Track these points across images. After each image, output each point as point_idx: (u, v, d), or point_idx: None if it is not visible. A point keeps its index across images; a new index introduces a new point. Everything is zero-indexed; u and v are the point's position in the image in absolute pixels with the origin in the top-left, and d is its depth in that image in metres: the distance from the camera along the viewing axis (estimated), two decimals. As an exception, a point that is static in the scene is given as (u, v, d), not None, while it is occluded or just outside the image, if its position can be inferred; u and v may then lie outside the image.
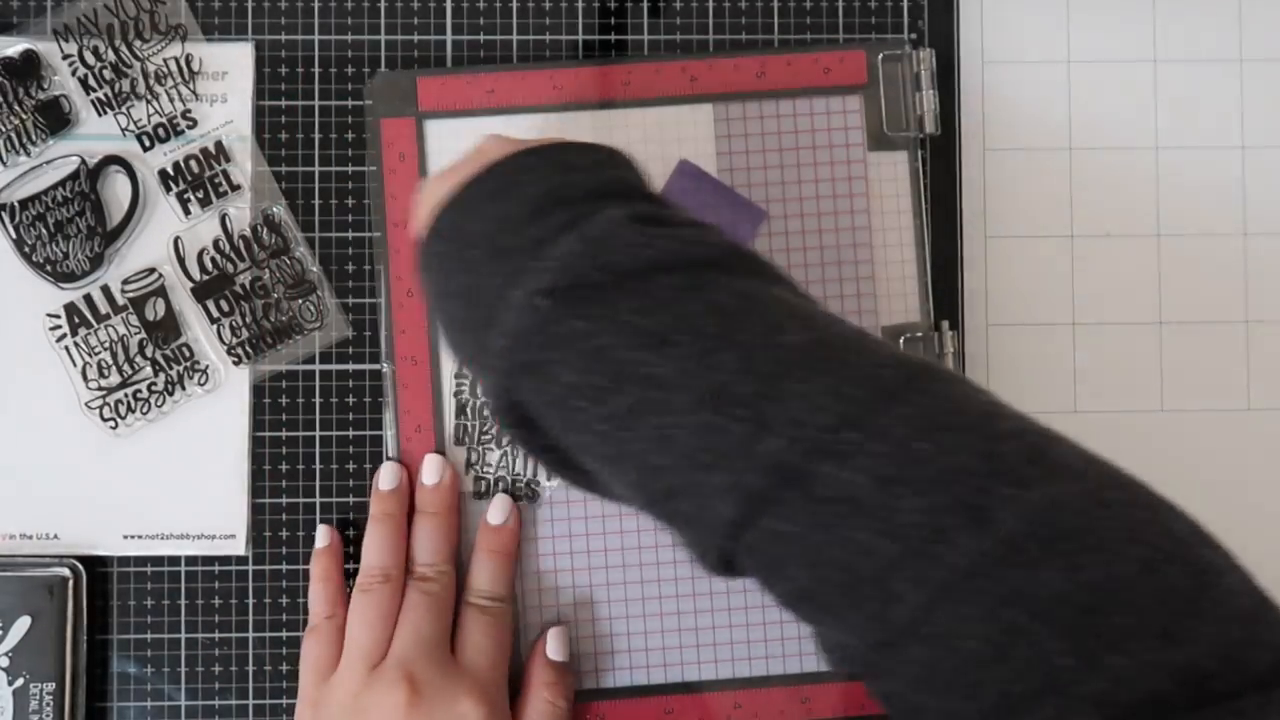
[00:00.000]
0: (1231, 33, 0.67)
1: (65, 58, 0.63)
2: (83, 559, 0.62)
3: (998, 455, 0.38)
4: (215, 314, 0.63)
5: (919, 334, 0.64)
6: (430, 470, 0.61)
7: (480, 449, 0.63)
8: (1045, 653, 0.35)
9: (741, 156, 0.64)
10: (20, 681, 0.61)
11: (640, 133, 0.64)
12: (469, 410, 0.63)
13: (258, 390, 0.64)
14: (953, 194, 0.65)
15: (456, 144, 0.63)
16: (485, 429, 0.63)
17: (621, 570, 0.63)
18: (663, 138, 0.64)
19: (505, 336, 0.44)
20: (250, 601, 0.63)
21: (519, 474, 0.63)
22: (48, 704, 0.61)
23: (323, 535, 0.62)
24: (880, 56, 0.64)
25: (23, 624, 0.61)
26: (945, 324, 0.64)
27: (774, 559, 0.40)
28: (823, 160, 0.64)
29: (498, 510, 0.61)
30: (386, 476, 0.61)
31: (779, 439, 0.39)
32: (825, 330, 0.42)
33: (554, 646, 0.61)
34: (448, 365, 0.63)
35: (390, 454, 0.63)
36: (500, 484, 0.63)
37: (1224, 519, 0.65)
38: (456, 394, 0.63)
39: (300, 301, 0.64)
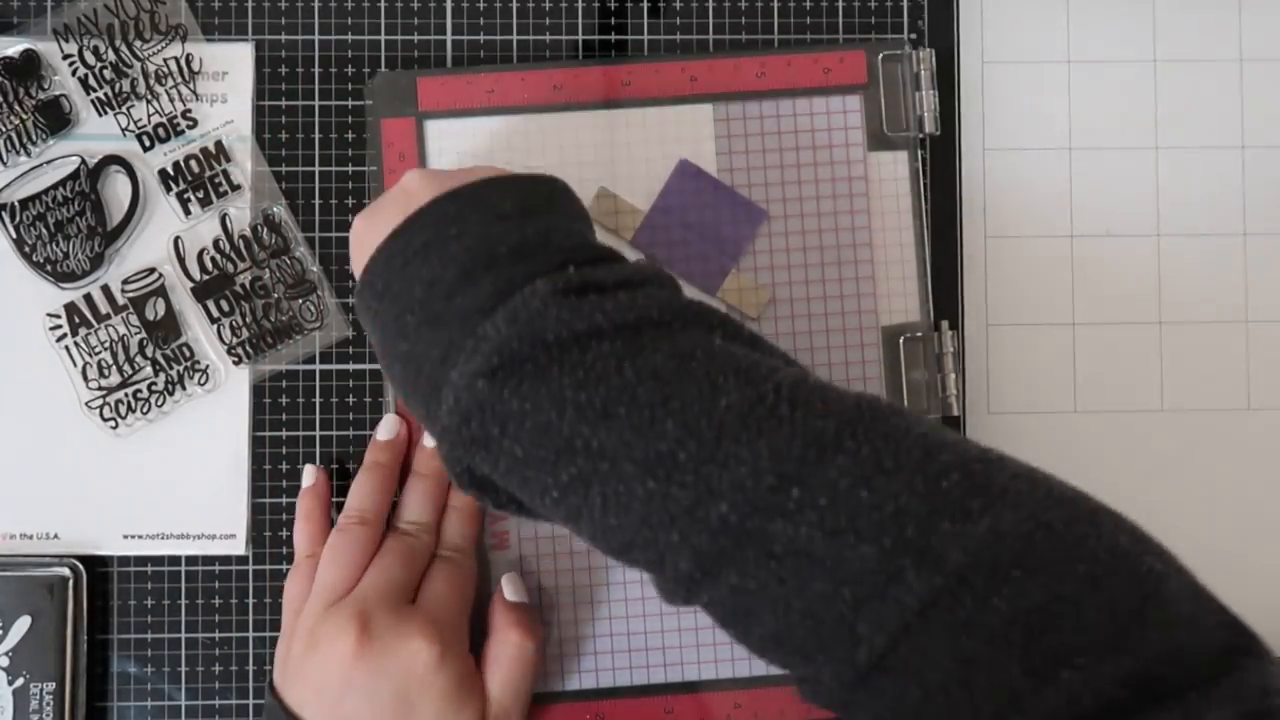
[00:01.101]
0: (1231, 33, 0.67)
1: (65, 58, 0.63)
2: (83, 559, 0.62)
3: (938, 492, 0.40)
4: (215, 314, 0.63)
5: (919, 334, 0.64)
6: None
7: None
8: (1005, 677, 0.37)
9: (741, 156, 0.64)
10: (20, 681, 0.61)
11: (640, 133, 0.64)
12: None
13: (258, 390, 0.64)
14: (953, 194, 0.65)
15: (457, 144, 0.63)
16: None
17: (622, 569, 0.63)
18: (663, 138, 0.64)
19: (451, 415, 0.45)
20: (250, 601, 0.63)
21: None
22: (48, 704, 0.61)
23: (308, 474, 0.62)
24: (880, 56, 0.64)
25: (23, 624, 0.61)
26: (945, 324, 0.64)
27: (738, 611, 0.42)
28: (823, 160, 0.64)
29: None
30: (385, 427, 0.62)
31: (724, 503, 0.41)
32: (763, 384, 0.43)
33: (510, 589, 0.60)
34: None
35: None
36: None
37: (1224, 519, 0.66)
38: None
39: (300, 301, 0.63)
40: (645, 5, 0.65)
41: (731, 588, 0.42)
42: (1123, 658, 0.36)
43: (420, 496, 0.60)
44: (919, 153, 0.64)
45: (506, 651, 0.58)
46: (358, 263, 0.51)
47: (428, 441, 0.61)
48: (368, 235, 0.50)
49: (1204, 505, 0.66)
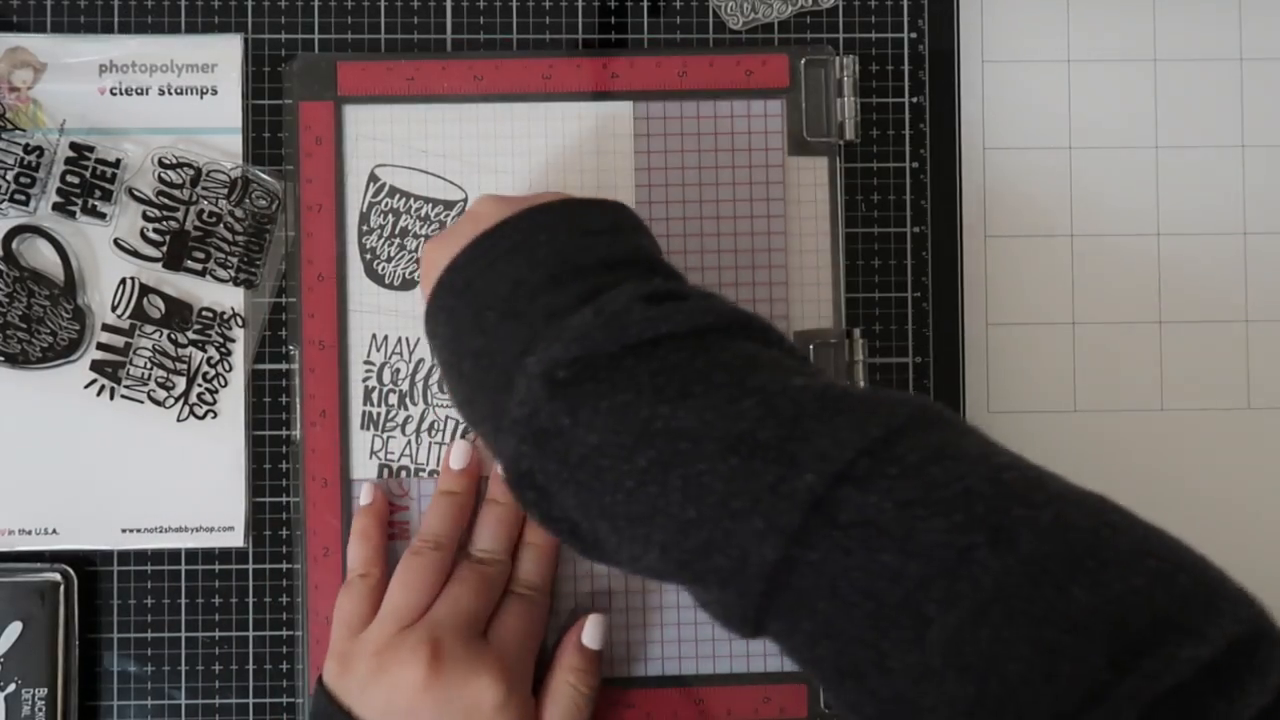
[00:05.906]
0: (1231, 33, 0.67)
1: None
2: (79, 559, 0.62)
3: (1002, 482, 0.40)
4: (199, 266, 0.62)
5: (831, 340, 0.64)
6: None
7: (384, 436, 0.63)
8: (1089, 668, 0.37)
9: (660, 156, 0.64)
10: (12, 687, 0.60)
11: (559, 127, 0.63)
12: (375, 396, 0.63)
13: (258, 389, 0.63)
14: (953, 194, 0.65)
15: (375, 130, 0.63)
16: (390, 416, 0.63)
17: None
18: (581, 134, 0.63)
19: (524, 405, 0.45)
20: (250, 600, 0.63)
21: (421, 465, 0.63)
22: (40, 710, 0.60)
23: (366, 493, 0.62)
24: (803, 61, 0.64)
25: (13, 630, 0.60)
26: (857, 331, 0.64)
27: (802, 596, 0.41)
28: (741, 163, 0.64)
29: None
30: (457, 455, 0.61)
31: (810, 474, 0.40)
32: (828, 379, 0.44)
33: (590, 634, 0.60)
34: (356, 350, 0.63)
35: (296, 439, 0.63)
36: (403, 472, 0.63)
37: (1224, 519, 0.66)
38: (364, 380, 0.63)
39: (255, 209, 0.62)
40: (645, 4, 0.65)
41: (804, 565, 0.40)
42: (1194, 646, 0.37)
43: (494, 525, 0.60)
44: (838, 159, 0.64)
45: (568, 694, 0.58)
46: (427, 282, 0.52)
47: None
48: (440, 256, 0.51)
49: (1204, 505, 0.66)
